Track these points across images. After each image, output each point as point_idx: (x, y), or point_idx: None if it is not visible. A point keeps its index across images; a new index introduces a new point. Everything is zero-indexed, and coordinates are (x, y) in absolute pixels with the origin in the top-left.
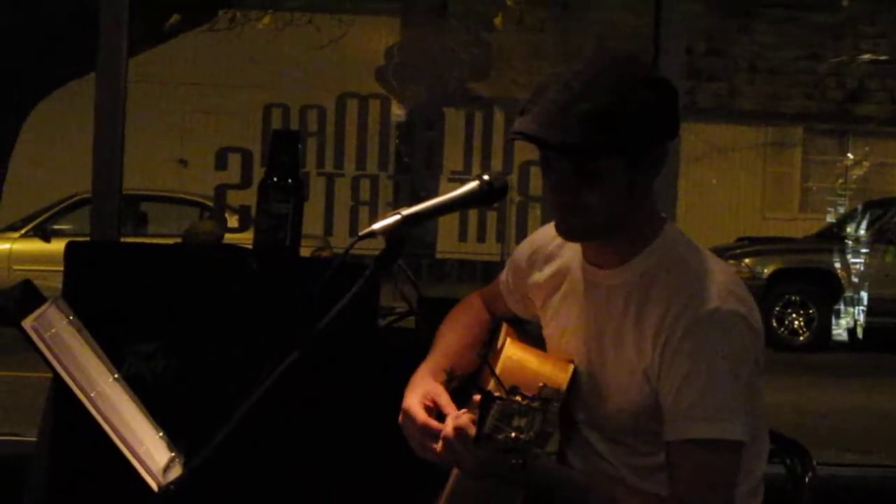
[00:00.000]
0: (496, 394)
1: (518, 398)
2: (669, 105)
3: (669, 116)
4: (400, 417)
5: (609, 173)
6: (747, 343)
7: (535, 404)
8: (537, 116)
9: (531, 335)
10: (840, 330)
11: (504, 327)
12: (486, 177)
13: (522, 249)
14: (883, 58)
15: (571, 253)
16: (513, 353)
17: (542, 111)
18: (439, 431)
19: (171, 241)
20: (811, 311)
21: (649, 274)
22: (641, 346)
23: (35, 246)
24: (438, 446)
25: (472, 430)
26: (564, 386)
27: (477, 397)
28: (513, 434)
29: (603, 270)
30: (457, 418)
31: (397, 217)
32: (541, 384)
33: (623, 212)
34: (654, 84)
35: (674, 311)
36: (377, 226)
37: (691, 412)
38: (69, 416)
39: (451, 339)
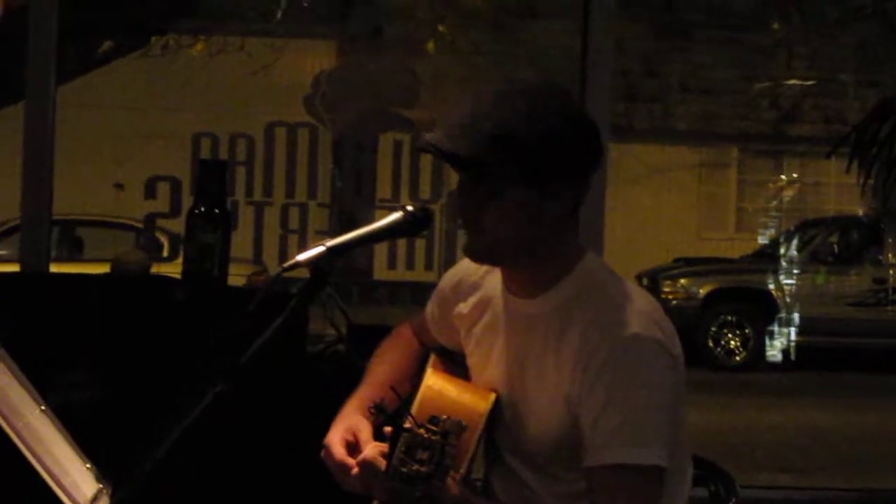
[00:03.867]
0: (405, 425)
1: (422, 430)
2: (582, 138)
3: (582, 149)
4: (322, 452)
5: (509, 196)
6: (667, 370)
7: (436, 438)
8: (443, 128)
9: (460, 365)
10: (774, 350)
11: (431, 358)
12: (409, 207)
13: (447, 279)
14: (810, 82)
15: (494, 283)
16: (433, 382)
17: (449, 124)
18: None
19: (107, 266)
20: (747, 331)
21: (568, 302)
22: (561, 375)
23: None
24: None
25: (381, 463)
26: (481, 416)
27: (388, 429)
28: (415, 467)
29: (523, 300)
30: (368, 451)
31: (321, 248)
32: (444, 416)
33: (529, 237)
34: (568, 116)
35: (593, 338)
36: (301, 257)
37: (611, 438)
38: None
39: (381, 371)
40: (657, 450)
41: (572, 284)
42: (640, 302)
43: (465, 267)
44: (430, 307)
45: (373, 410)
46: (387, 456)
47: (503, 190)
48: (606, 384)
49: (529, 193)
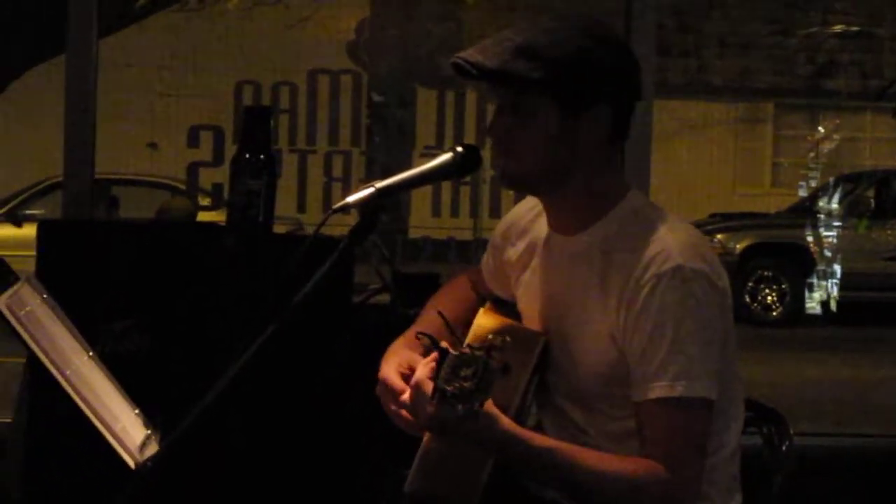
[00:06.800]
0: (452, 351)
1: (466, 349)
2: (617, 63)
3: (617, 75)
4: (377, 388)
5: (540, 114)
6: (713, 302)
7: (479, 353)
8: (476, 46)
9: (514, 315)
10: (813, 304)
11: (486, 304)
12: (459, 148)
13: (499, 227)
14: (854, 29)
15: (542, 227)
16: (484, 321)
17: (482, 43)
18: None
19: None
20: (784, 286)
21: (612, 237)
22: (607, 311)
23: (6, 231)
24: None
25: (429, 387)
26: (531, 356)
27: (435, 354)
28: (458, 384)
29: (566, 237)
30: (419, 372)
31: (371, 190)
32: (489, 335)
33: (561, 162)
34: (602, 39)
35: (637, 270)
36: (351, 199)
37: (658, 371)
38: (45, 395)
39: (434, 316)
40: (705, 381)
41: (615, 220)
42: (686, 235)
43: (515, 213)
44: (486, 257)
45: (419, 337)
46: (433, 379)
47: (535, 111)
48: (652, 317)
49: (561, 116)
